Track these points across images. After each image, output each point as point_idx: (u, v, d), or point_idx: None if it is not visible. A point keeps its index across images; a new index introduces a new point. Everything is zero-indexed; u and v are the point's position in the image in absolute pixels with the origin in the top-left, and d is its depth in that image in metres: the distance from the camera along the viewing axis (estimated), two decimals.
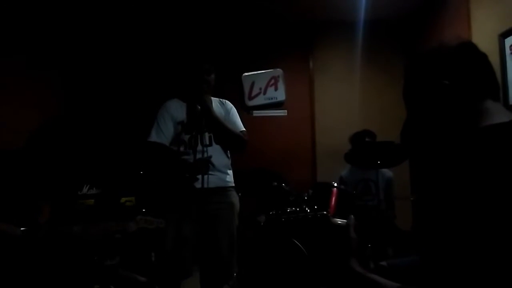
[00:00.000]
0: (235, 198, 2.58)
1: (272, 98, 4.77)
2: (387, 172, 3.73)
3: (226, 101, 2.74)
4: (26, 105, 3.43)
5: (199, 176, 2.35)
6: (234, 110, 2.72)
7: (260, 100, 4.73)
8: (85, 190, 2.36)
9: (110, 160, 3.10)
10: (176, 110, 2.55)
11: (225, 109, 2.67)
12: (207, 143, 2.47)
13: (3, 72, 3.26)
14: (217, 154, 2.49)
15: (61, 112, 3.97)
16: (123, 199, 2.85)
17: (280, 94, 4.78)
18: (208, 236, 2.44)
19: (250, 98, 4.73)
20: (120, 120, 4.17)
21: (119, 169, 3.13)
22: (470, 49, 0.96)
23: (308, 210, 2.77)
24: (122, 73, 4.48)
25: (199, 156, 2.40)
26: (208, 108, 2.46)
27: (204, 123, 2.45)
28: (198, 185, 2.35)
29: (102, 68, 4.36)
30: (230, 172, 2.62)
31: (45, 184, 2.06)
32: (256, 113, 4.78)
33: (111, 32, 4.48)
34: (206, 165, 2.39)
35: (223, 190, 2.52)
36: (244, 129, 2.67)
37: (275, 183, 3.47)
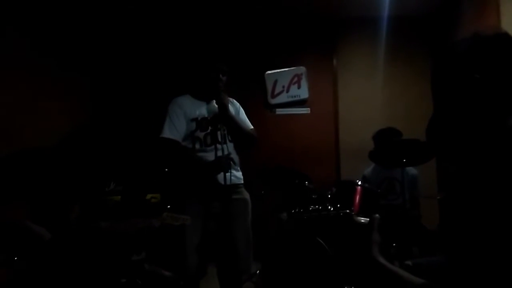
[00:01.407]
0: (247, 194, 2.61)
1: (295, 96, 4.79)
2: (411, 170, 3.67)
3: (234, 100, 2.75)
4: (52, 104, 3.53)
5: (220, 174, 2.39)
6: (242, 109, 2.75)
7: (283, 98, 4.77)
8: (112, 186, 2.42)
9: (136, 157, 3.16)
10: (189, 107, 2.56)
11: (234, 108, 2.70)
12: (222, 140, 2.50)
13: (34, 74, 3.36)
14: (232, 152, 2.52)
15: (87, 112, 4.06)
16: (148, 196, 2.91)
17: (303, 92, 4.79)
18: (225, 233, 2.47)
19: (273, 96, 4.78)
20: (144, 118, 4.25)
21: (144, 166, 3.19)
22: (506, 41, 0.91)
23: (331, 209, 2.74)
24: (142, 71, 4.56)
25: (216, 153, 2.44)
26: (225, 106, 2.49)
27: (220, 120, 2.48)
28: (220, 181, 2.39)
29: (123, 68, 4.44)
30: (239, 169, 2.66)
31: (77, 184, 2.12)
32: (279, 111, 4.80)
33: (130, 32, 4.56)
34: (228, 162, 2.42)
35: (237, 187, 2.55)
36: (252, 127, 2.70)
37: (298, 181, 3.47)
